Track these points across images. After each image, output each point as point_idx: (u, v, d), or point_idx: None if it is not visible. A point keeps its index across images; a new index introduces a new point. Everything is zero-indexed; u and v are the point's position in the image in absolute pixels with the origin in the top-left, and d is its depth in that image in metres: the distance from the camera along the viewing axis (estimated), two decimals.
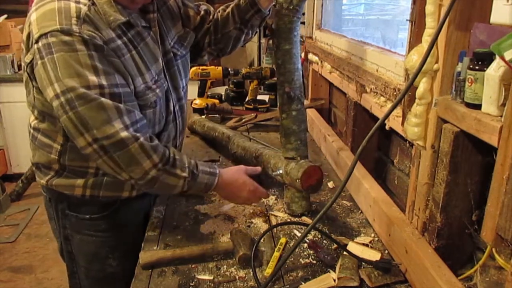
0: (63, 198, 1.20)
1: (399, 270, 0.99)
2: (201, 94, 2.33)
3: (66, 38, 0.94)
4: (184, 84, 1.29)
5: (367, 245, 1.10)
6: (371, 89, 1.31)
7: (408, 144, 1.20)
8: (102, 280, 1.27)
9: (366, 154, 1.43)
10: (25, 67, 1.03)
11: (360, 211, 1.28)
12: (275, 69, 1.25)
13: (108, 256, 1.25)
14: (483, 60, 0.76)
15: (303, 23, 2.19)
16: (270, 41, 1.43)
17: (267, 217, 1.26)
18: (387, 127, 1.17)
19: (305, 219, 1.25)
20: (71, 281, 1.32)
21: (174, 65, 1.23)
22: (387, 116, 0.89)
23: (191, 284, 0.98)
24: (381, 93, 1.23)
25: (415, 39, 0.97)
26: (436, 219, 0.92)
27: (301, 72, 1.22)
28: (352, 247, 1.07)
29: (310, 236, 1.15)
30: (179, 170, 1.04)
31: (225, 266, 1.04)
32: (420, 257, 0.91)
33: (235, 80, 2.46)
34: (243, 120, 2.06)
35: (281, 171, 1.19)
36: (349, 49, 1.58)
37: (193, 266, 1.04)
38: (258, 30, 1.42)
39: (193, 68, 2.27)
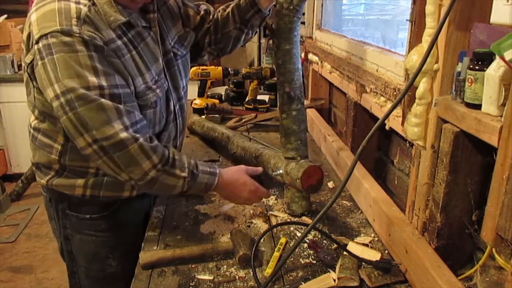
0: (64, 198, 1.20)
1: (399, 270, 0.99)
2: (201, 94, 2.33)
3: (66, 38, 0.94)
4: (184, 84, 1.29)
5: (367, 245, 1.10)
6: (371, 89, 1.31)
7: (408, 144, 1.20)
8: (102, 280, 1.27)
9: (366, 154, 1.43)
10: (26, 68, 1.03)
11: (360, 211, 1.28)
12: (275, 69, 1.25)
13: (108, 256, 1.25)
14: (483, 60, 0.76)
15: (303, 23, 2.19)
16: (270, 41, 1.43)
17: (267, 217, 1.26)
18: (387, 127, 1.17)
19: (305, 219, 1.25)
20: (71, 281, 1.32)
21: (175, 65, 1.23)
22: (387, 116, 0.89)
23: (191, 284, 0.98)
24: (381, 93, 1.23)
25: (415, 39, 0.97)
26: (436, 219, 0.92)
27: (301, 72, 1.22)
28: (352, 247, 1.07)
29: (310, 236, 1.15)
30: (178, 170, 1.04)
31: (225, 266, 1.04)
32: (420, 257, 0.91)
33: (235, 80, 2.46)
34: (243, 120, 2.06)
35: (281, 171, 1.19)
36: (349, 49, 1.58)
37: (193, 266, 1.04)
38: (258, 30, 1.42)
39: (193, 68, 2.27)
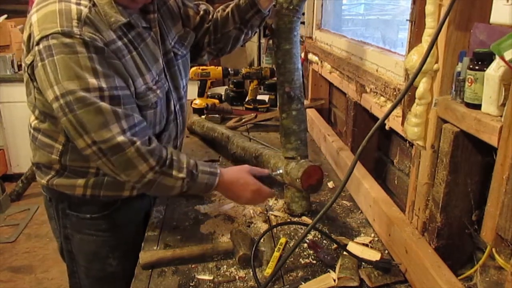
0: (64, 198, 1.20)
1: (399, 270, 0.99)
2: (201, 94, 2.33)
3: (67, 40, 0.94)
4: (185, 84, 1.29)
5: (367, 245, 1.10)
6: (371, 89, 1.31)
7: (408, 144, 1.20)
8: (102, 279, 1.27)
9: (366, 154, 1.43)
10: (26, 68, 1.03)
11: (360, 211, 1.28)
12: (275, 69, 1.25)
13: (108, 256, 1.25)
14: (483, 60, 0.76)
15: (303, 23, 2.19)
16: (270, 41, 1.43)
17: (267, 217, 1.26)
18: (387, 127, 1.17)
19: (305, 219, 1.25)
20: (71, 281, 1.32)
21: (175, 65, 1.23)
22: (387, 116, 0.89)
23: (191, 284, 0.98)
24: (381, 93, 1.23)
25: (415, 39, 0.97)
26: (436, 219, 0.92)
27: (301, 72, 1.22)
28: (352, 247, 1.07)
29: (310, 236, 1.15)
30: (176, 171, 1.04)
31: (225, 266, 1.04)
32: (420, 257, 0.91)
33: (235, 80, 2.46)
34: (243, 120, 2.06)
35: (281, 171, 1.19)
36: (349, 49, 1.58)
37: (193, 266, 1.04)
38: (257, 30, 1.42)
39: (193, 68, 2.27)
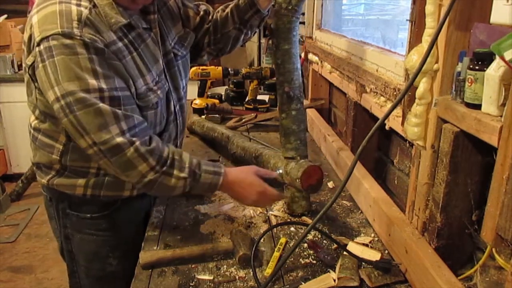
0: (64, 198, 1.20)
1: (399, 270, 0.99)
2: (201, 94, 2.33)
3: (67, 41, 0.94)
4: (184, 84, 1.29)
5: (367, 245, 1.10)
6: (371, 89, 1.31)
7: (408, 144, 1.20)
8: (102, 279, 1.27)
9: (366, 154, 1.43)
10: (27, 69, 1.04)
11: (360, 211, 1.28)
12: (274, 69, 1.25)
13: (108, 255, 1.25)
14: (483, 60, 0.76)
15: (303, 23, 2.19)
16: (270, 41, 1.43)
17: (267, 217, 1.26)
18: (387, 127, 1.17)
19: (305, 219, 1.25)
20: (71, 281, 1.32)
21: (175, 65, 1.23)
22: (387, 116, 0.89)
23: (191, 284, 0.98)
24: (381, 93, 1.23)
25: (415, 39, 0.97)
26: (436, 219, 0.92)
27: (300, 72, 1.22)
28: (352, 247, 1.07)
29: (310, 236, 1.15)
30: (177, 171, 1.03)
31: (225, 266, 1.04)
32: (420, 257, 0.91)
33: (235, 80, 2.46)
34: (243, 120, 2.06)
35: (281, 171, 1.19)
36: (349, 49, 1.58)
37: (193, 266, 1.04)
38: (257, 30, 1.42)
39: (193, 68, 2.27)
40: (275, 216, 1.27)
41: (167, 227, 1.21)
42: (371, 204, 1.19)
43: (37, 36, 0.96)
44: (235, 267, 1.04)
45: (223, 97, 2.53)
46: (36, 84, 1.04)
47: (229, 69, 2.31)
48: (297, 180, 1.11)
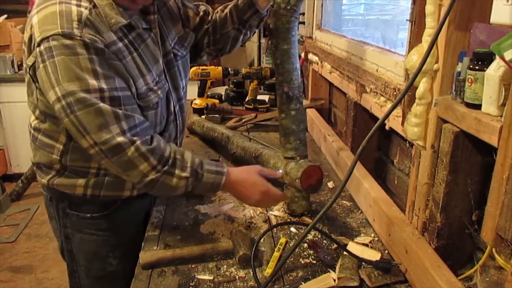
0: (64, 197, 1.20)
1: (399, 270, 0.99)
2: (201, 94, 2.33)
3: (67, 41, 0.94)
4: (184, 85, 1.29)
5: (367, 245, 1.10)
6: (371, 89, 1.31)
7: (408, 144, 1.20)
8: (103, 279, 1.27)
9: (366, 154, 1.43)
10: (28, 70, 1.04)
11: (360, 211, 1.28)
12: (274, 69, 1.25)
13: (108, 255, 1.25)
14: (483, 60, 0.76)
15: (303, 23, 2.19)
16: (270, 41, 1.43)
17: (267, 217, 1.26)
18: (387, 127, 1.17)
19: (305, 219, 1.25)
20: (71, 280, 1.32)
21: (175, 65, 1.23)
22: (387, 116, 0.89)
23: (191, 284, 0.98)
24: (381, 93, 1.23)
25: (415, 39, 0.97)
26: (436, 219, 0.92)
27: (299, 72, 1.22)
28: (352, 247, 1.07)
29: (310, 236, 1.15)
30: (179, 170, 1.03)
31: (225, 266, 1.04)
32: (420, 257, 0.91)
33: (235, 80, 2.46)
34: (243, 120, 2.06)
35: (280, 171, 1.19)
36: (349, 49, 1.58)
37: (193, 266, 1.04)
38: (256, 30, 1.42)
39: (193, 68, 2.27)
40: (275, 216, 1.27)
41: (167, 227, 1.21)
42: (371, 204, 1.19)
43: (38, 37, 0.96)
44: (235, 267, 1.04)
45: (223, 97, 2.53)
46: (37, 84, 1.04)
47: (229, 69, 2.31)
48: (297, 180, 1.11)
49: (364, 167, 1.34)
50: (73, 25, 0.95)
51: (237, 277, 1.00)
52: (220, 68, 2.32)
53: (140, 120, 1.03)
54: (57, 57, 0.94)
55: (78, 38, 0.94)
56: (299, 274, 1.01)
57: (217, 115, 2.14)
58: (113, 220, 1.23)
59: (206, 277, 1.00)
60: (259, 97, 2.36)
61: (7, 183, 3.57)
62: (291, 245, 1.11)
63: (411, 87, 0.90)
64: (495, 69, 0.73)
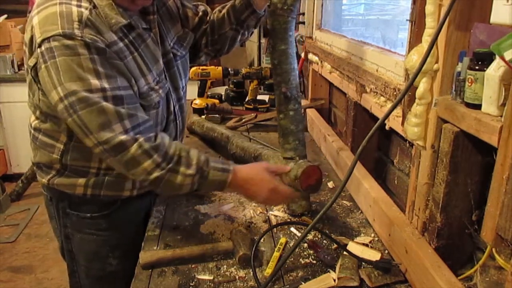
0: (64, 197, 1.20)
1: (399, 270, 0.99)
2: (201, 94, 2.33)
3: (68, 42, 0.94)
4: (184, 84, 1.29)
5: (367, 245, 1.10)
6: (371, 89, 1.31)
7: (408, 144, 1.20)
8: (103, 279, 1.27)
9: (366, 154, 1.43)
10: (30, 70, 1.03)
11: (360, 211, 1.28)
12: (272, 69, 1.25)
13: (108, 255, 1.25)
14: (483, 60, 0.76)
15: (303, 23, 2.19)
16: None
17: (267, 217, 1.26)
18: (387, 127, 1.17)
19: (305, 219, 1.25)
20: (72, 280, 1.32)
21: (174, 65, 1.23)
22: (387, 116, 0.89)
23: (191, 284, 0.98)
24: (381, 93, 1.23)
25: (415, 39, 0.97)
26: (436, 219, 0.92)
27: (297, 72, 1.22)
28: (352, 247, 1.07)
29: (310, 236, 1.15)
30: (184, 168, 1.01)
31: (225, 266, 1.04)
32: (420, 257, 0.91)
33: (235, 80, 2.46)
34: (243, 120, 2.06)
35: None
36: (349, 49, 1.58)
37: (193, 266, 1.04)
38: (254, 30, 1.41)
39: (193, 68, 2.27)
40: (275, 216, 1.27)
41: (167, 227, 1.21)
42: (371, 204, 1.19)
43: (38, 38, 0.96)
44: (235, 267, 1.04)
45: (223, 97, 2.53)
46: (39, 85, 1.04)
47: (229, 69, 2.31)
48: (296, 180, 1.11)
49: (364, 167, 1.34)
50: (74, 26, 0.95)
51: (237, 277, 1.00)
52: (220, 68, 2.32)
53: (144, 119, 1.02)
54: (59, 58, 0.94)
55: (79, 38, 0.94)
56: (299, 274, 1.01)
57: (217, 115, 2.14)
58: (113, 220, 1.23)
59: (206, 277, 1.00)
60: (259, 97, 2.36)
61: (7, 183, 3.57)
62: (291, 245, 1.11)
63: (411, 87, 0.90)
64: (495, 69, 0.73)
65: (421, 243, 0.95)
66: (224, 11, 1.32)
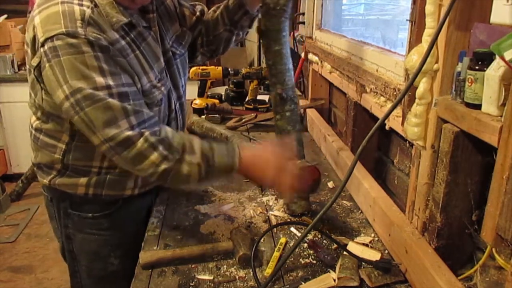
0: (65, 197, 1.20)
1: (399, 270, 0.99)
2: (201, 94, 2.33)
3: (72, 40, 0.94)
4: (183, 83, 1.30)
5: (367, 245, 1.10)
6: (371, 89, 1.31)
7: (408, 144, 1.20)
8: (104, 279, 1.27)
9: (366, 154, 1.43)
10: (33, 70, 1.03)
11: (360, 211, 1.28)
12: (267, 70, 1.24)
13: (110, 255, 1.25)
14: (483, 60, 0.76)
15: (303, 23, 2.19)
16: None
17: (267, 217, 1.26)
18: (387, 127, 1.17)
19: (305, 219, 1.25)
20: (73, 280, 1.32)
21: (174, 64, 1.23)
22: (387, 116, 0.89)
23: (191, 284, 0.98)
24: (381, 93, 1.23)
25: (415, 39, 0.97)
26: (436, 219, 0.92)
27: (292, 73, 1.21)
28: (352, 247, 1.07)
29: (310, 236, 1.15)
30: (189, 157, 1.00)
31: (225, 266, 1.04)
32: (420, 257, 0.91)
33: (235, 80, 2.46)
34: (243, 120, 2.06)
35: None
36: (349, 49, 1.58)
37: (193, 266, 1.04)
38: (248, 30, 1.41)
39: (193, 68, 2.27)
40: (275, 216, 1.27)
41: (167, 227, 1.21)
42: (371, 204, 1.19)
43: (41, 37, 0.96)
44: (235, 267, 1.04)
45: (223, 97, 2.52)
46: (42, 85, 1.04)
47: (229, 69, 2.31)
48: None
49: (364, 167, 1.34)
50: (76, 24, 0.95)
51: (237, 277, 1.00)
52: (220, 68, 2.32)
53: (149, 115, 1.02)
54: (63, 57, 0.94)
55: (83, 36, 0.95)
56: (299, 274, 1.01)
57: (217, 115, 2.14)
58: (114, 219, 1.23)
59: (206, 277, 1.00)
60: (259, 97, 2.35)
61: (7, 183, 3.58)
62: (291, 245, 1.11)
63: (411, 87, 0.90)
64: (495, 69, 0.73)
65: (421, 243, 0.95)
66: (218, 11, 1.33)
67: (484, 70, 0.75)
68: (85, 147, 1.09)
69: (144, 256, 1.04)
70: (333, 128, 1.82)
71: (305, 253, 1.09)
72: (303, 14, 2.18)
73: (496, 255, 0.80)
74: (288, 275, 1.01)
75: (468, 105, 0.79)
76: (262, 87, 2.43)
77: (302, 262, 1.05)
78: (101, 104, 0.95)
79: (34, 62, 1.01)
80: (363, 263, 1.02)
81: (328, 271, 1.01)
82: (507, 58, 0.68)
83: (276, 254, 1.06)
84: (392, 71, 1.22)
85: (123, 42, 1.03)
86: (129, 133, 0.97)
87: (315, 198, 1.35)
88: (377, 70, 1.31)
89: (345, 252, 1.04)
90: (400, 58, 1.20)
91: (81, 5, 0.98)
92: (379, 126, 0.88)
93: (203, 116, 2.12)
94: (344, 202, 1.34)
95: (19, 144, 3.61)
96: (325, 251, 1.07)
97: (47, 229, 2.88)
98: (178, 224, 1.23)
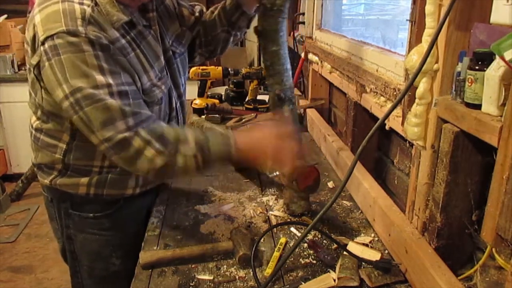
0: (66, 198, 1.20)
1: (399, 270, 0.99)
2: (201, 94, 2.33)
3: (73, 39, 0.94)
4: (183, 82, 1.30)
5: (367, 245, 1.10)
6: (371, 89, 1.31)
7: (408, 144, 1.20)
8: (105, 279, 1.27)
9: (366, 154, 1.43)
10: (32, 69, 1.03)
11: (360, 211, 1.28)
12: (265, 71, 1.24)
13: (111, 255, 1.25)
14: (483, 60, 0.76)
15: (303, 23, 2.19)
16: None
17: (267, 217, 1.26)
18: (387, 127, 1.17)
19: (305, 219, 1.25)
20: (74, 281, 1.32)
21: (174, 63, 1.24)
22: (387, 116, 0.89)
23: (191, 284, 0.98)
24: (381, 93, 1.23)
25: (415, 39, 0.97)
26: (436, 219, 0.92)
27: (290, 73, 1.21)
28: (352, 247, 1.07)
29: (310, 236, 1.15)
30: (184, 149, 1.00)
31: (225, 266, 1.04)
32: (420, 257, 0.91)
33: (235, 80, 2.46)
34: (243, 120, 2.06)
35: (278, 173, 1.18)
36: (349, 49, 1.58)
37: (193, 266, 1.04)
38: (246, 30, 1.41)
39: (193, 68, 2.27)
40: (275, 216, 1.27)
41: (167, 227, 1.21)
42: (371, 204, 1.19)
43: (41, 35, 0.96)
44: (235, 267, 1.04)
45: (223, 97, 2.53)
46: (42, 83, 1.04)
47: (229, 69, 2.31)
48: (294, 182, 1.10)
49: (364, 167, 1.34)
50: (77, 23, 0.95)
51: (237, 277, 1.00)
52: (220, 68, 2.32)
53: (147, 115, 1.02)
54: (63, 55, 0.94)
55: (83, 35, 0.95)
56: (299, 274, 1.01)
57: (217, 115, 2.14)
58: (116, 219, 1.23)
59: (206, 277, 1.00)
60: (259, 97, 2.35)
61: (7, 183, 3.58)
62: (291, 245, 1.11)
63: (411, 87, 0.90)
64: (495, 69, 0.73)
65: (421, 243, 0.95)
66: (215, 12, 1.33)
67: (484, 70, 0.75)
68: (86, 147, 1.09)
69: (144, 256, 1.04)
70: (333, 128, 1.82)
71: (305, 253, 1.09)
72: (303, 14, 2.18)
73: (496, 255, 0.80)
74: (288, 275, 1.01)
75: (468, 105, 0.79)
76: (262, 87, 2.43)
77: (302, 262, 1.05)
78: (100, 104, 0.95)
79: (34, 60, 1.01)
80: (363, 263, 1.02)
81: (328, 271, 1.01)
82: (507, 58, 0.68)
83: (276, 254, 1.06)
84: (392, 71, 1.22)
85: (123, 41, 1.03)
86: (126, 134, 0.97)
87: (315, 198, 1.35)
88: (377, 70, 1.31)
89: (345, 252, 1.05)
90: (400, 58, 1.20)
91: (82, 3, 0.98)
92: (379, 126, 0.88)
93: (203, 116, 2.12)
94: (344, 202, 1.34)
95: (19, 144, 3.61)
96: (325, 251, 1.07)
97: (47, 229, 2.88)
98: (178, 224, 1.23)
